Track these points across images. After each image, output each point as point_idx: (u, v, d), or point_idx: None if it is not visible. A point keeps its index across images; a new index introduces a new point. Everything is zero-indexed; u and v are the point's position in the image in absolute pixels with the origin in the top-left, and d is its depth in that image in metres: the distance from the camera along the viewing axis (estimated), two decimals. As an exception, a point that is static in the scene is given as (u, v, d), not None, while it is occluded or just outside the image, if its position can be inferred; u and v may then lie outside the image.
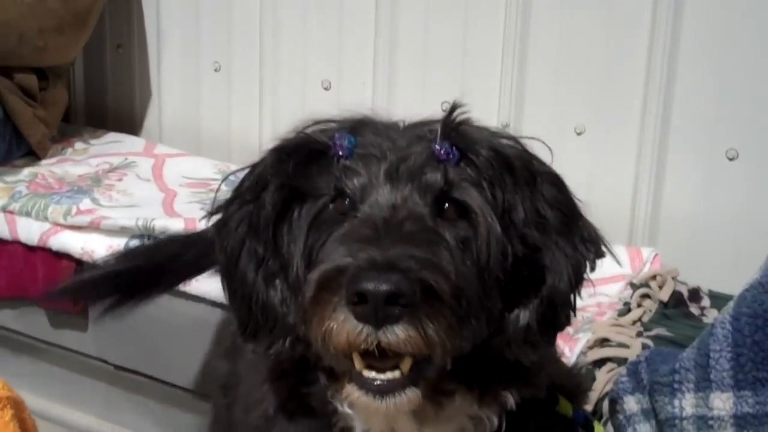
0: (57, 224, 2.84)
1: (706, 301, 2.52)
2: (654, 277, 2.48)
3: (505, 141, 1.39)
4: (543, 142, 1.44)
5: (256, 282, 1.39)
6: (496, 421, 1.42)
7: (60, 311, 2.91)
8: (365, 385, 1.28)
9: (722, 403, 1.52)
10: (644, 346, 2.18)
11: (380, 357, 1.25)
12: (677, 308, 2.47)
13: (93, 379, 3.08)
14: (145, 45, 3.61)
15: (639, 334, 2.25)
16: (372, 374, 1.28)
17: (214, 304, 2.62)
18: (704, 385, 1.53)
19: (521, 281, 1.35)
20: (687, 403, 1.54)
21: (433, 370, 1.29)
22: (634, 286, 2.45)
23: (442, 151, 1.33)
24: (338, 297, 1.22)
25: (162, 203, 2.96)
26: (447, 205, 1.34)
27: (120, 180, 3.13)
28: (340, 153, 1.36)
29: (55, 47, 3.24)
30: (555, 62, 2.85)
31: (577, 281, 1.39)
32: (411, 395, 1.28)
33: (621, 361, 2.08)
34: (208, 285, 2.60)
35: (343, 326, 1.22)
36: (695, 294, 2.52)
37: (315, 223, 1.36)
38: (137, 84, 3.64)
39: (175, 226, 2.69)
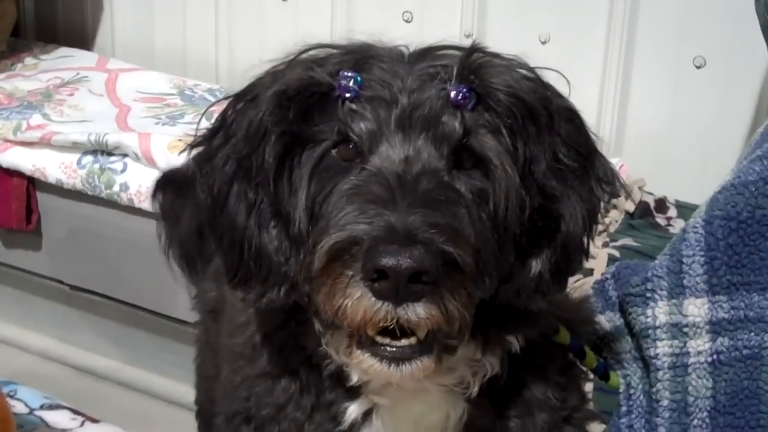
0: (7, 140, 2.77)
1: (672, 212, 2.51)
2: (620, 188, 2.45)
3: (520, 75, 1.26)
4: (561, 74, 1.32)
5: (248, 227, 1.28)
6: (498, 366, 1.35)
7: (12, 230, 2.85)
8: (378, 353, 1.20)
9: (696, 309, 1.48)
10: (610, 257, 2.16)
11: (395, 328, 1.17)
12: (643, 218, 2.45)
13: (48, 300, 3.03)
14: (95, -45, 3.50)
15: (605, 245, 2.23)
16: (386, 340, 1.19)
17: (170, 220, 2.56)
18: (677, 291, 1.49)
19: (535, 231, 1.27)
20: (660, 311, 1.50)
21: (448, 337, 1.22)
22: (600, 197, 2.42)
23: (459, 97, 1.22)
24: (352, 271, 1.13)
25: (115, 118, 2.89)
26: (462, 152, 1.24)
27: (71, 95, 3.05)
28: (346, 95, 1.23)
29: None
30: (519, -32, 2.77)
31: (591, 224, 1.31)
32: (426, 362, 1.20)
33: (587, 272, 2.05)
34: (164, 201, 2.55)
35: (360, 303, 1.13)
36: (662, 204, 2.51)
37: (317, 171, 1.25)
38: (88, -4, 3.54)
39: (129, 141, 2.62)
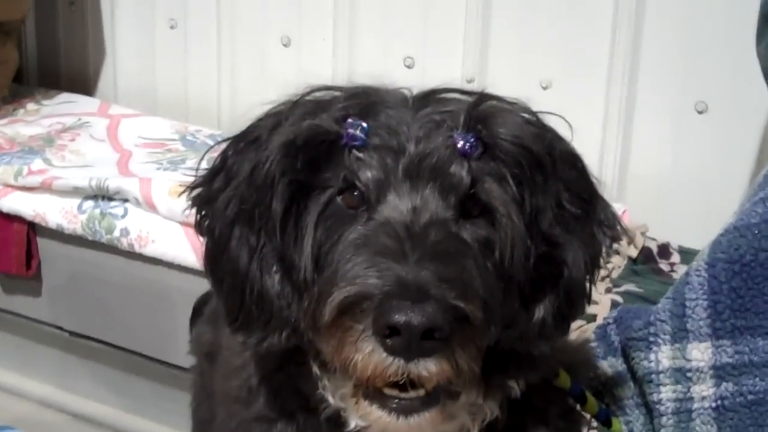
0: (8, 185, 2.76)
1: (675, 257, 2.49)
2: (623, 233, 2.44)
3: (524, 120, 1.25)
4: (563, 118, 1.32)
5: (250, 270, 1.27)
6: (497, 410, 1.33)
7: (12, 275, 2.83)
8: (386, 405, 1.19)
9: (700, 353, 1.46)
10: (613, 303, 2.14)
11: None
12: (646, 264, 2.44)
13: (47, 346, 3.00)
14: (98, 1, 3.51)
15: (608, 290, 2.21)
16: (394, 392, 1.18)
17: (170, 266, 2.56)
18: (681, 335, 1.48)
19: (539, 278, 1.26)
20: (663, 356, 1.49)
21: (455, 388, 1.22)
22: (602, 242, 2.40)
23: (466, 146, 1.21)
24: (363, 325, 1.12)
25: (116, 163, 2.88)
26: (468, 201, 1.23)
27: (73, 140, 3.05)
28: (354, 142, 1.22)
29: (3, 1, 3.14)
30: (520, 14, 2.78)
31: (593, 268, 1.31)
32: (433, 413, 1.20)
33: (590, 318, 2.04)
34: (164, 247, 2.54)
35: (371, 358, 1.12)
36: (664, 250, 2.49)
37: (322, 219, 1.23)
38: (91, 43, 3.55)
39: (130, 186, 2.61)
